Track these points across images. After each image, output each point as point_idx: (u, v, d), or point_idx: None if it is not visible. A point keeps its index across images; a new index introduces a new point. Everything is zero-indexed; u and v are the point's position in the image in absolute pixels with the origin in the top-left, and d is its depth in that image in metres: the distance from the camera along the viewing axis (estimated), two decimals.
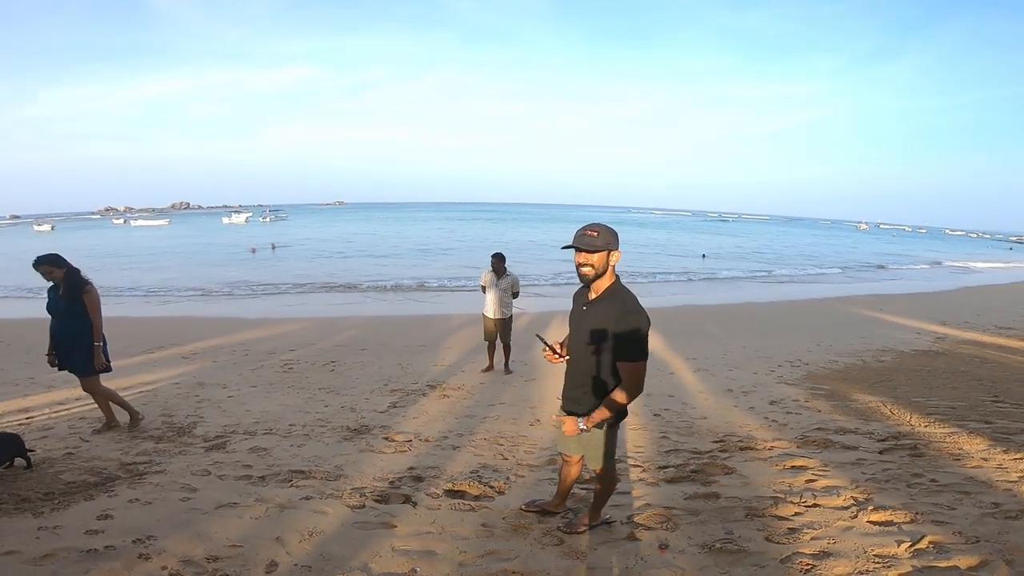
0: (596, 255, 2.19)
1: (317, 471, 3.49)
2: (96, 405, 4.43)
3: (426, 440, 4.21)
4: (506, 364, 6.69)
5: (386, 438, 4.26)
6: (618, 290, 2.27)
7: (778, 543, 2.58)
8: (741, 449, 4.00)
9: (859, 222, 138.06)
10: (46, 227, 65.64)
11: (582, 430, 2.33)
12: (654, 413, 4.99)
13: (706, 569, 2.39)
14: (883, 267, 28.52)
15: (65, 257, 4.18)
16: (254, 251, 29.56)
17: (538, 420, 4.80)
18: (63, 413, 4.84)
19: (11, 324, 11.11)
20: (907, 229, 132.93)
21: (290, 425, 4.55)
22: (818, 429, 4.45)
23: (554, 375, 6.57)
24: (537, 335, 2.39)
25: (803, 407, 5.21)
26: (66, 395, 5.42)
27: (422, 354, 7.78)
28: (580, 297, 2.41)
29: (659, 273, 21.96)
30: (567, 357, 2.44)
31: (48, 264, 4.03)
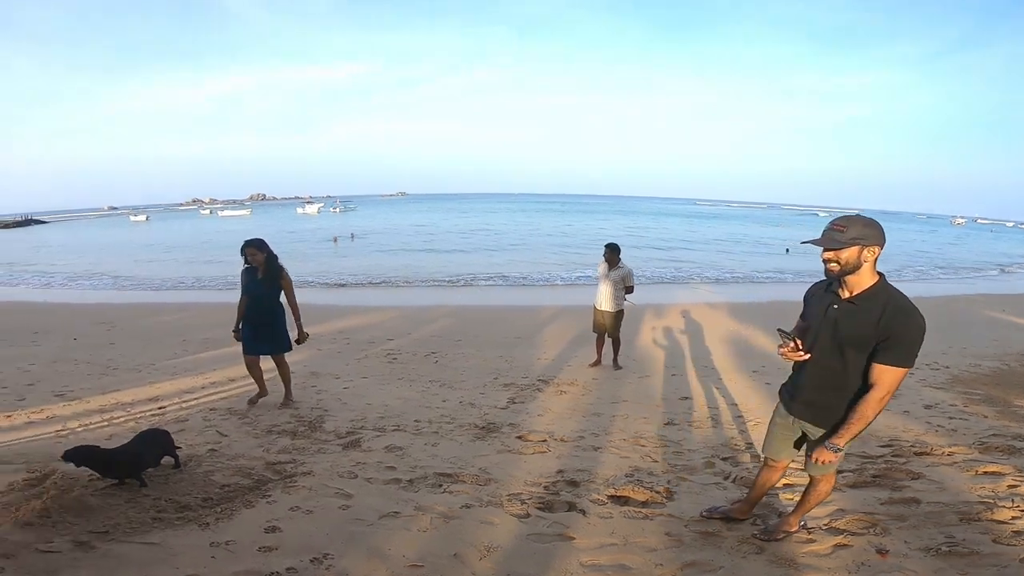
0: (845, 251, 1.96)
1: (464, 474, 3.34)
2: (251, 380, 4.77)
3: (562, 440, 4.00)
4: (615, 359, 6.42)
5: (519, 437, 4.09)
6: (884, 288, 2.00)
7: (1010, 545, 2.42)
8: (917, 454, 3.67)
9: (954, 216, 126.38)
10: (141, 217, 71.11)
11: (837, 452, 2.07)
12: None
13: (942, 571, 2.24)
14: (1004, 268, 25.52)
15: (268, 242, 4.58)
16: (336, 240, 30.67)
17: (671, 421, 4.49)
18: (193, 403, 4.91)
19: (117, 308, 11.93)
20: (1008, 224, 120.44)
21: (415, 421, 4.46)
22: (995, 435, 4.02)
23: (670, 372, 6.23)
24: (779, 329, 2.18)
25: (964, 412, 4.72)
26: (191, 383, 5.55)
27: (520, 347, 7.61)
28: (825, 295, 2.13)
29: (748, 271, 20.65)
30: (807, 355, 2.14)
31: (254, 247, 4.45)
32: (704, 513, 2.73)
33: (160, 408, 4.73)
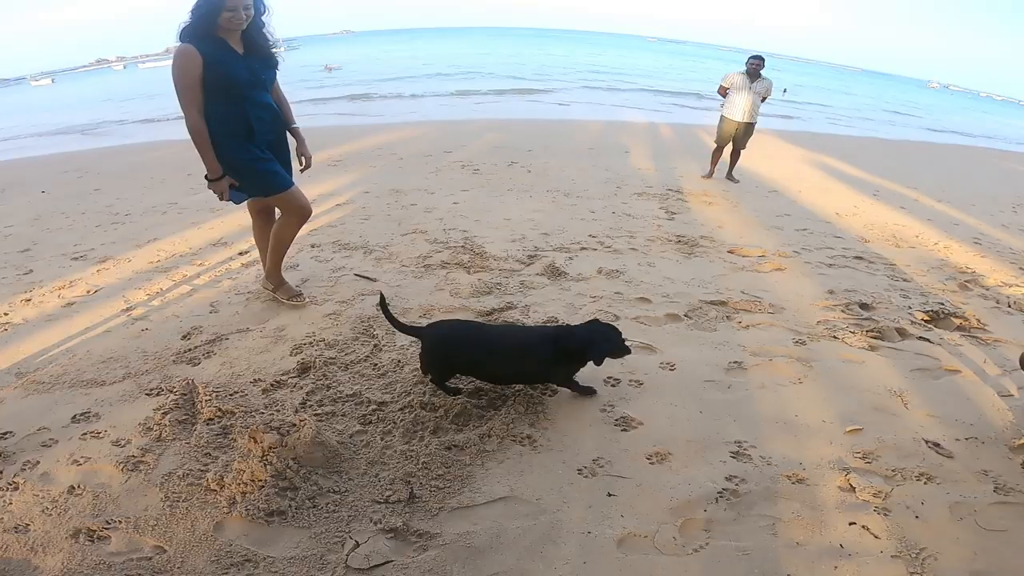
0: None
1: (739, 301, 2.70)
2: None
3: (779, 258, 3.22)
4: (731, 172, 5.92)
5: (731, 251, 3.45)
6: None
7: None
8: None
9: None
10: (46, 81, 61.88)
11: None
12: None
13: None
14: None
15: None
16: (328, 69, 28.33)
17: None
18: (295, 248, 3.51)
19: (77, 156, 9.86)
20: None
21: (591, 236, 3.40)
22: None
23: (774, 190, 5.20)
24: None
25: None
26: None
27: (602, 156, 6.40)
28: None
29: None
30: None
31: None
32: None
33: (246, 255, 3.19)
